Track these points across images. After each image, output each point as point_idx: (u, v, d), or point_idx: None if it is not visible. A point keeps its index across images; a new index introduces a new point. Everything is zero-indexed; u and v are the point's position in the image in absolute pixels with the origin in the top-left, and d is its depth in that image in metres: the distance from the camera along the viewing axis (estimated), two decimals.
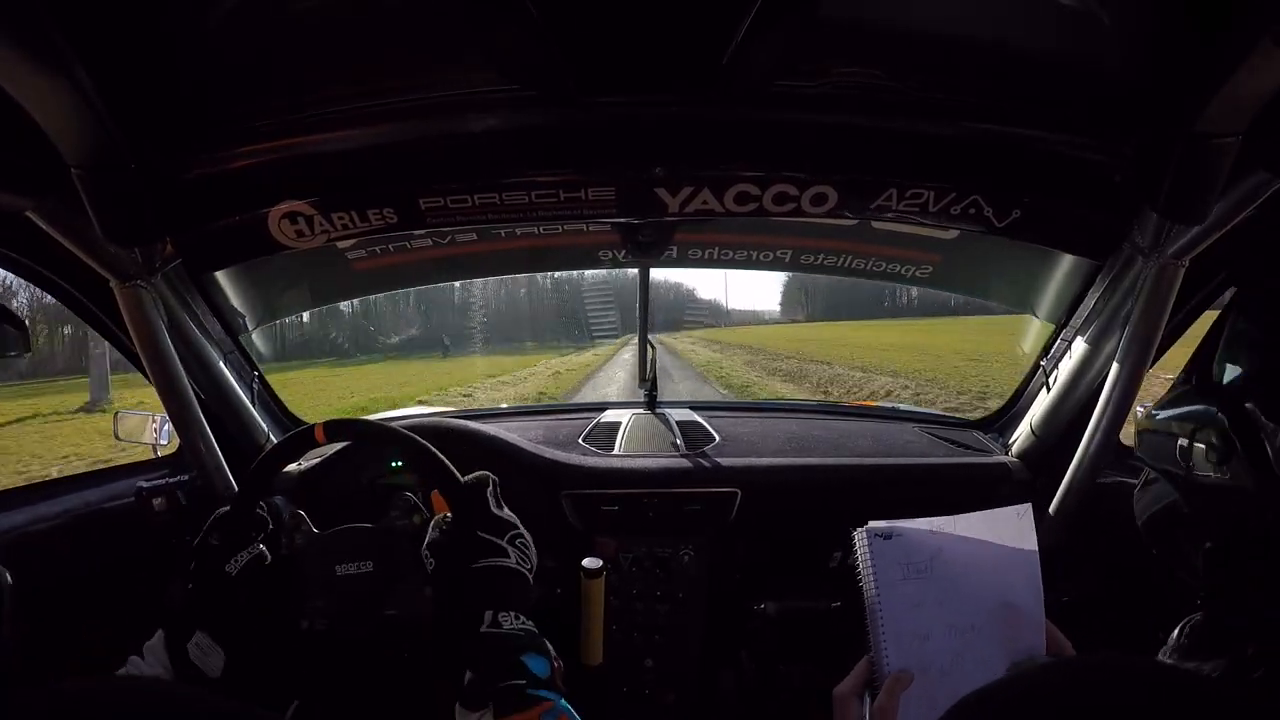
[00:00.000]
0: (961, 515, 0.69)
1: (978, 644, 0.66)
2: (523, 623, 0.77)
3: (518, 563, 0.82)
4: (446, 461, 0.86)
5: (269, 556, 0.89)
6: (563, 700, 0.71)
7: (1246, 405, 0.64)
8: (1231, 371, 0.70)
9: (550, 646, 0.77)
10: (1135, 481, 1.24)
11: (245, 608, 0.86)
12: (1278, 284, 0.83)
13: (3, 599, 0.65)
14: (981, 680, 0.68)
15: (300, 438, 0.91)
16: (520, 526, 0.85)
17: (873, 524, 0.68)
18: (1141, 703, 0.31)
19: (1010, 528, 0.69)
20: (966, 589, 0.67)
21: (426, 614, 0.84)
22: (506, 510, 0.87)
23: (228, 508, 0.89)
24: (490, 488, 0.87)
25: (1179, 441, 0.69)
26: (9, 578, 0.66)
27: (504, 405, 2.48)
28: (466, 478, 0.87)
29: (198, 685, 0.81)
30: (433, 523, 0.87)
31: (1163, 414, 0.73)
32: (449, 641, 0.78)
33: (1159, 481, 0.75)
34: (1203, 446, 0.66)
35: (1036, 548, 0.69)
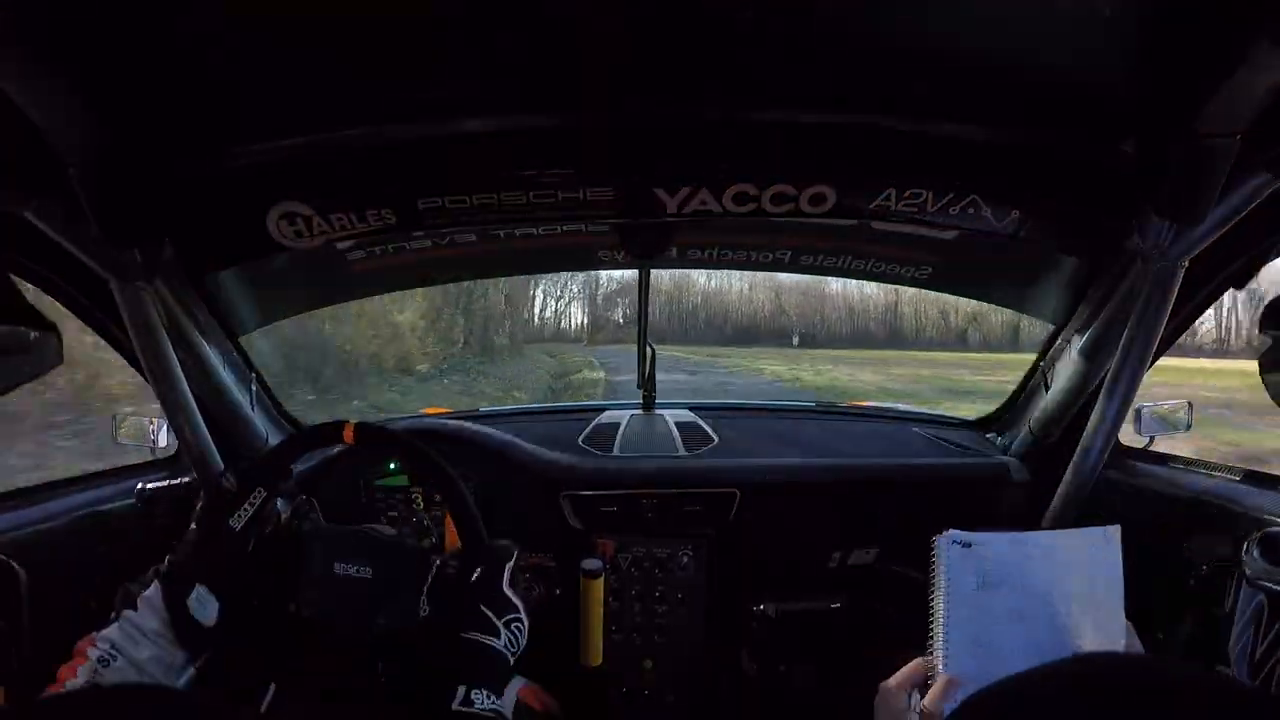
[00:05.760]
0: (1046, 532, 0.68)
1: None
2: (494, 703, 0.74)
3: (505, 645, 0.79)
4: (477, 515, 0.84)
5: (278, 513, 0.89)
6: None
7: None
8: None
9: None
10: (1134, 482, 1.24)
11: (246, 562, 0.86)
12: None
13: (20, 592, 0.67)
14: None
15: (326, 432, 0.90)
16: (522, 612, 0.82)
17: (953, 532, 0.66)
18: (1148, 699, 0.31)
19: (1096, 550, 0.67)
20: (1042, 607, 0.65)
21: (417, 632, 0.83)
22: (515, 592, 0.83)
23: (245, 464, 0.89)
24: (511, 561, 0.84)
25: None
26: (22, 574, 0.68)
27: (505, 406, 2.49)
28: (496, 542, 0.84)
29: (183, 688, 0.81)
30: (440, 561, 0.85)
31: None
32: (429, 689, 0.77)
33: None
34: None
35: (1121, 573, 0.66)
